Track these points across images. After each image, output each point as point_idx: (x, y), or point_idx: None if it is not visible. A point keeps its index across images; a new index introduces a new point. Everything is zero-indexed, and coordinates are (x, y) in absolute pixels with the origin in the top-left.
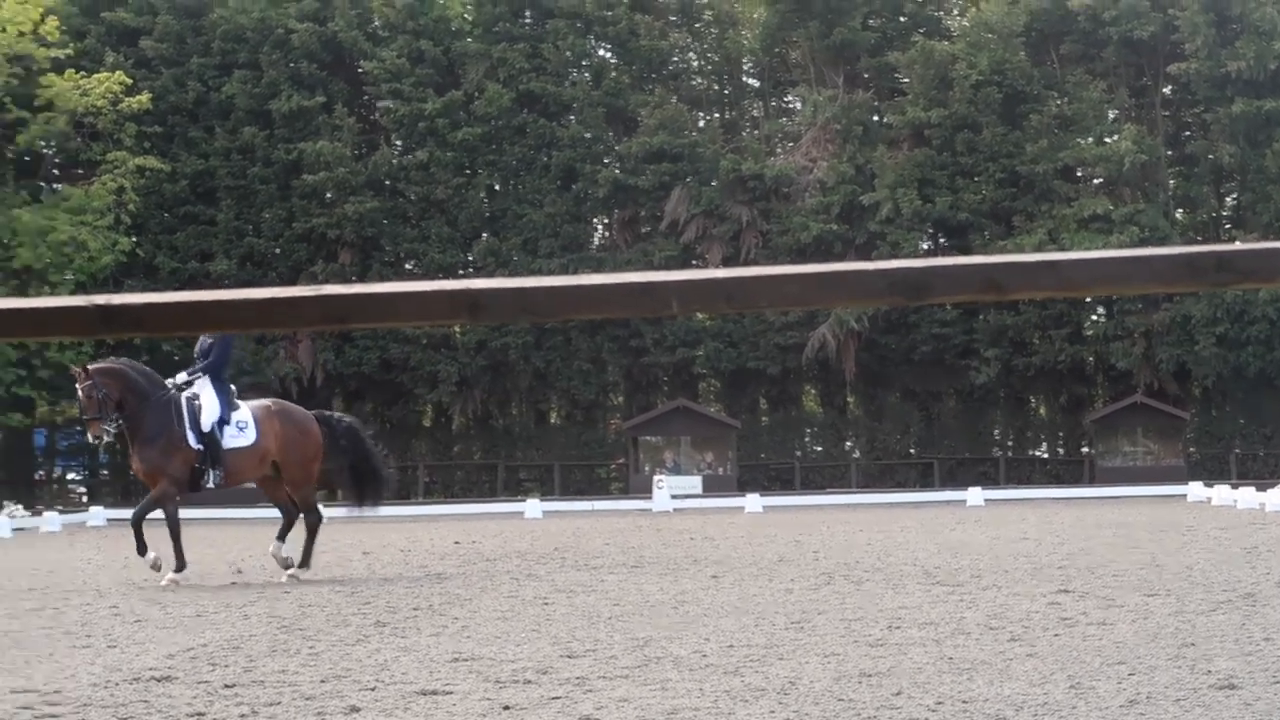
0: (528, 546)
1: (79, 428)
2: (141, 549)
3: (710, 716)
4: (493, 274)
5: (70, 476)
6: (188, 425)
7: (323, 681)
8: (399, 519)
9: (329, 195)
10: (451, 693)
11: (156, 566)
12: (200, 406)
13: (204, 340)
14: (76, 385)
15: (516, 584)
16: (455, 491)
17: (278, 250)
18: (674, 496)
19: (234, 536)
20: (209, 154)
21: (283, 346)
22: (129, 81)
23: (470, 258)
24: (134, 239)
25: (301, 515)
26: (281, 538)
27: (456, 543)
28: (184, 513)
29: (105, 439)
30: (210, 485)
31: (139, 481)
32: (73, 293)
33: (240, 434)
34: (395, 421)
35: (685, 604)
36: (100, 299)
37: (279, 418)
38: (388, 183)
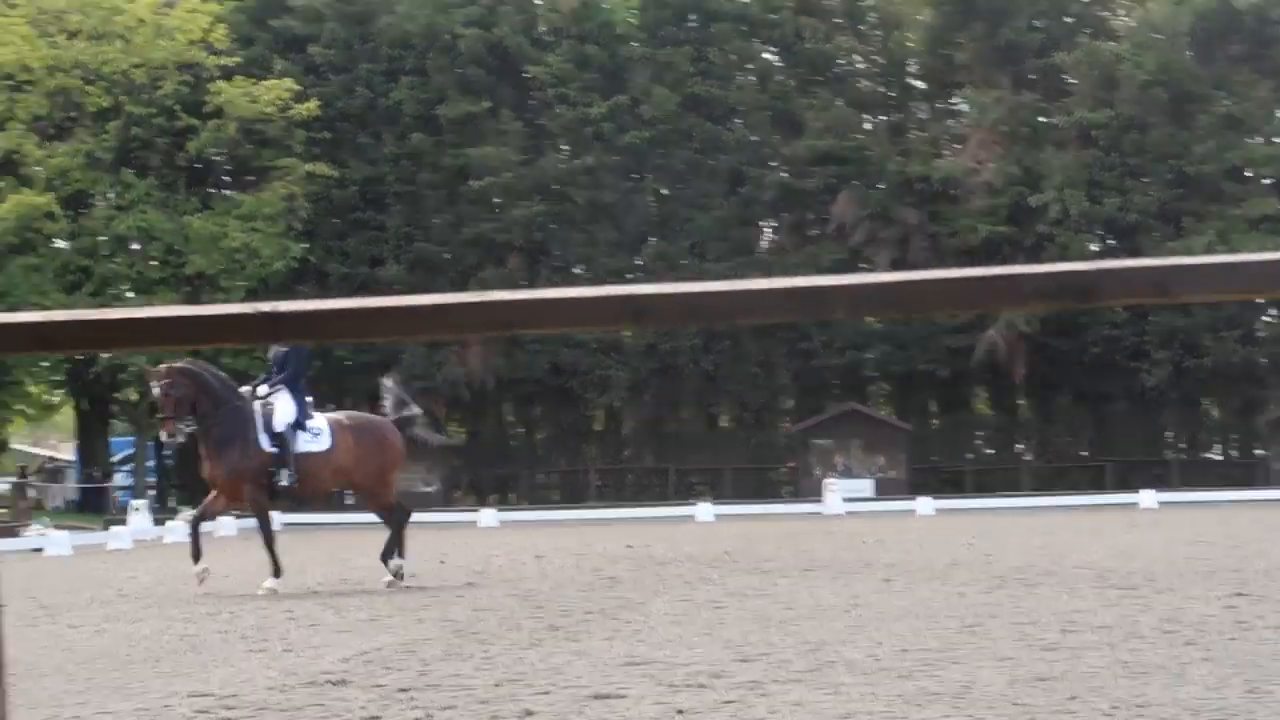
0: (699, 550)
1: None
2: (197, 554)
3: None
4: (661, 278)
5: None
6: (260, 429)
7: (496, 685)
8: (570, 523)
9: (497, 200)
10: (625, 696)
11: (202, 579)
12: (273, 411)
13: (277, 350)
14: (153, 383)
15: (689, 587)
16: (626, 495)
17: (447, 255)
18: (845, 499)
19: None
20: (378, 160)
21: (453, 351)
22: (298, 88)
23: (638, 262)
24: (305, 245)
25: (387, 520)
26: (392, 550)
27: (629, 546)
28: (355, 517)
29: (179, 439)
30: (284, 483)
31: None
32: (244, 300)
33: (315, 439)
34: (566, 426)
35: (858, 607)
36: (267, 306)
37: (353, 430)
38: (555, 187)
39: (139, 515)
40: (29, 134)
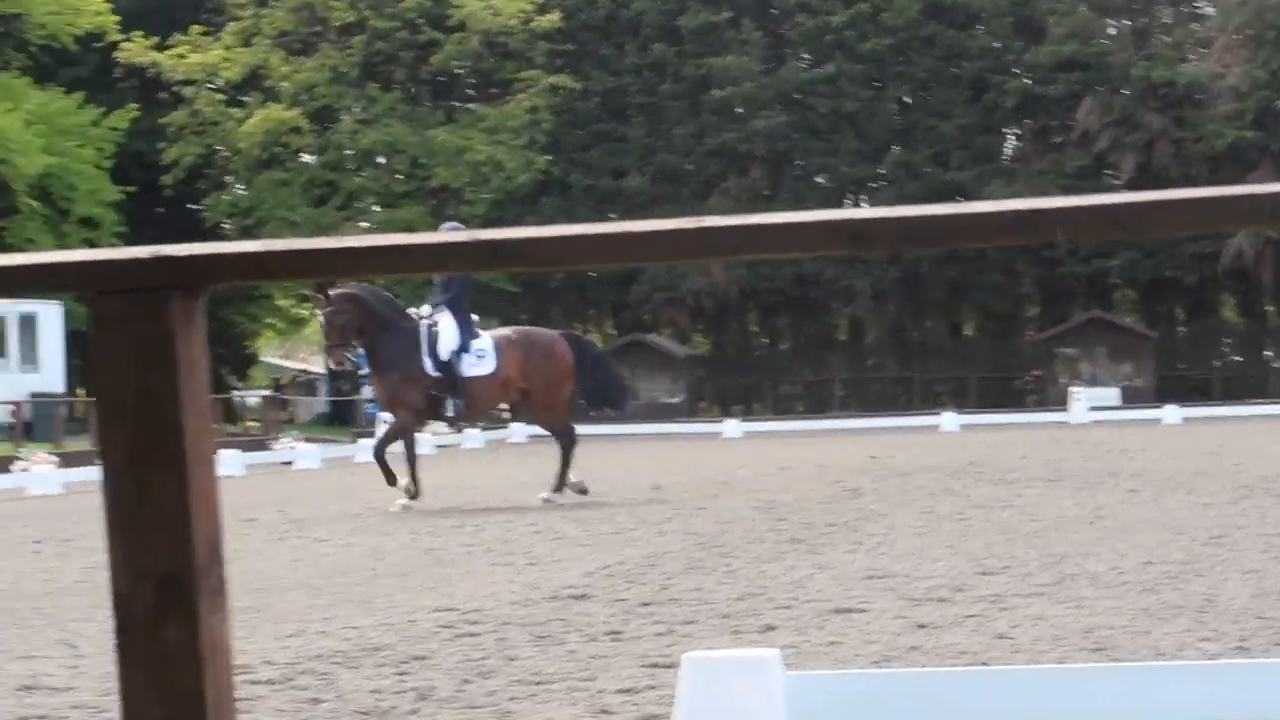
0: (943, 460)
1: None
2: (390, 479)
3: (1127, 635)
4: (903, 187)
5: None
6: (425, 353)
7: (738, 599)
8: (814, 434)
9: (739, 110)
10: (866, 610)
11: (410, 493)
12: (438, 334)
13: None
14: (318, 311)
15: (932, 499)
16: (870, 405)
17: (689, 166)
18: (1091, 408)
19: (648, 454)
20: (620, 71)
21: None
22: (539, 1)
23: (881, 170)
24: (548, 157)
25: (557, 438)
26: (564, 469)
27: (872, 457)
28: (599, 429)
29: (345, 365)
30: (450, 414)
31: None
32: (488, 211)
33: (479, 362)
34: (810, 336)
35: (1102, 519)
36: (487, 234)
37: (520, 346)
38: (797, 96)
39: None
40: (275, 49)
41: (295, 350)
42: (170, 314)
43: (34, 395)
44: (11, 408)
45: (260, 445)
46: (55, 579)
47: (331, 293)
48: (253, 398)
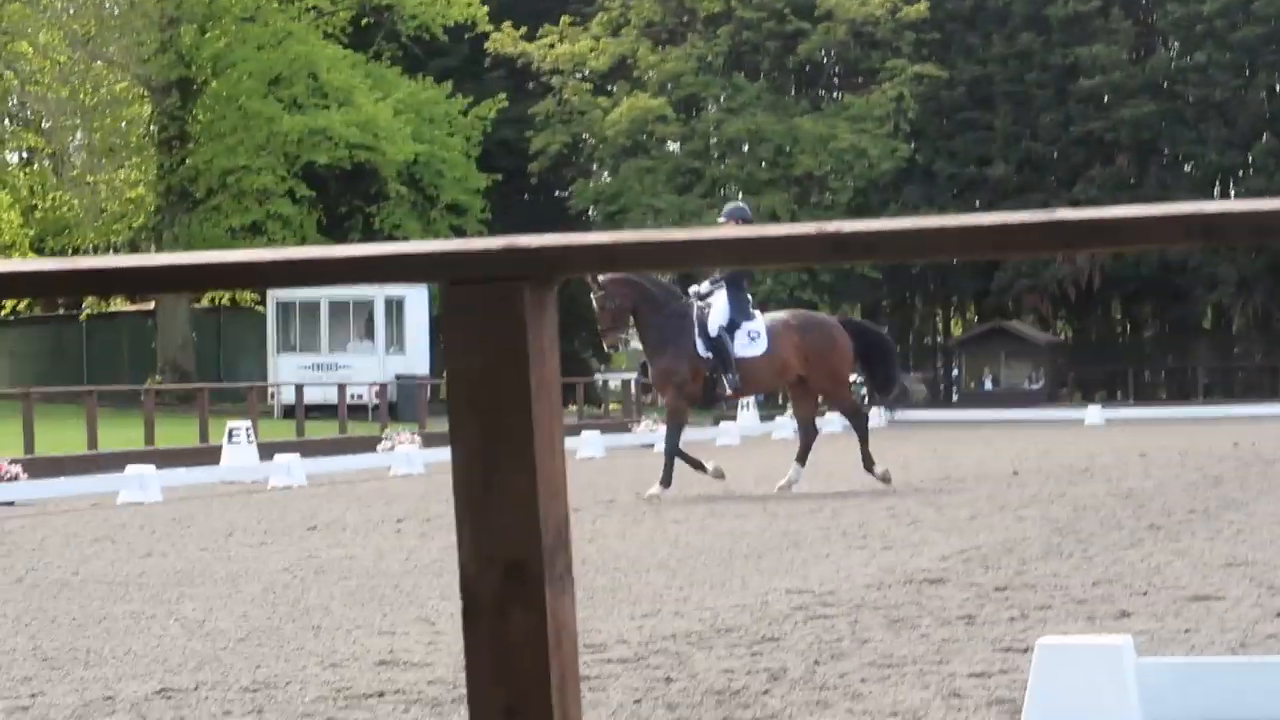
0: None
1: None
2: (697, 464)
3: None
4: (1273, 177)
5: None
6: (697, 333)
7: (1094, 585)
8: (1177, 421)
9: (1105, 99)
10: (1223, 598)
11: (720, 474)
12: (710, 314)
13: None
14: (591, 296)
15: None
16: (1235, 393)
17: (1054, 155)
18: None
19: (1007, 440)
20: (986, 60)
21: None
22: None
23: (1250, 159)
24: (912, 145)
25: (848, 421)
26: (801, 460)
27: (1235, 445)
28: (959, 415)
29: (620, 349)
30: (728, 392)
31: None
32: (851, 199)
33: (751, 343)
34: (1174, 323)
35: None
36: (831, 227)
37: (799, 330)
38: (1165, 85)
39: (748, 411)
40: (642, 39)
41: None
42: (521, 303)
43: (399, 377)
44: (377, 389)
45: (622, 428)
46: (415, 557)
47: (603, 278)
48: (615, 380)
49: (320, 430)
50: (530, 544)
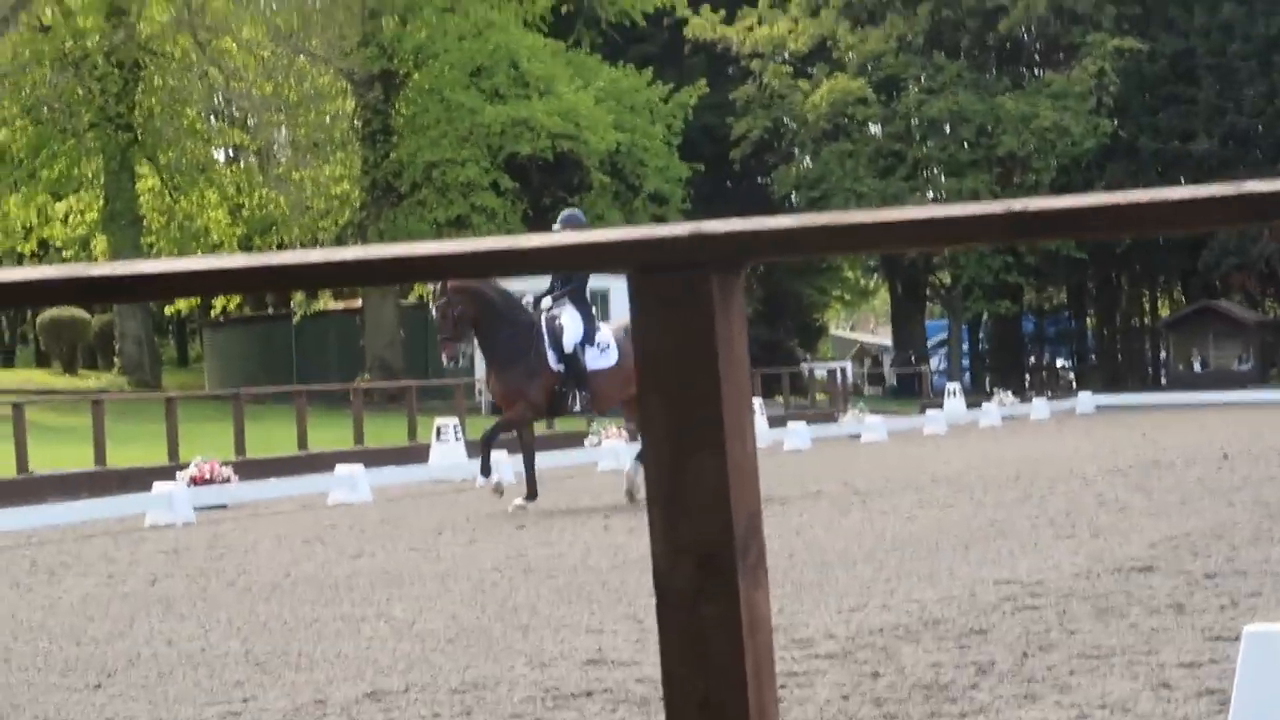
0: None
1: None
2: (485, 470)
3: None
4: None
5: (1060, 363)
6: (548, 346)
7: None
8: None
9: None
10: None
11: (499, 491)
12: (561, 327)
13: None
14: (431, 304)
15: None
16: None
17: (1259, 128)
18: None
19: (1218, 422)
20: (1188, 32)
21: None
22: None
23: None
24: (1114, 121)
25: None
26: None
27: None
28: (1167, 398)
29: (460, 361)
30: (576, 408)
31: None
32: (1055, 179)
33: (602, 355)
34: None
35: None
36: (1018, 204)
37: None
38: None
39: (954, 399)
40: (842, 20)
41: (863, 322)
42: (709, 291)
43: None
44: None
45: (828, 418)
46: (623, 553)
47: (442, 285)
48: (821, 370)
49: None
50: (722, 533)
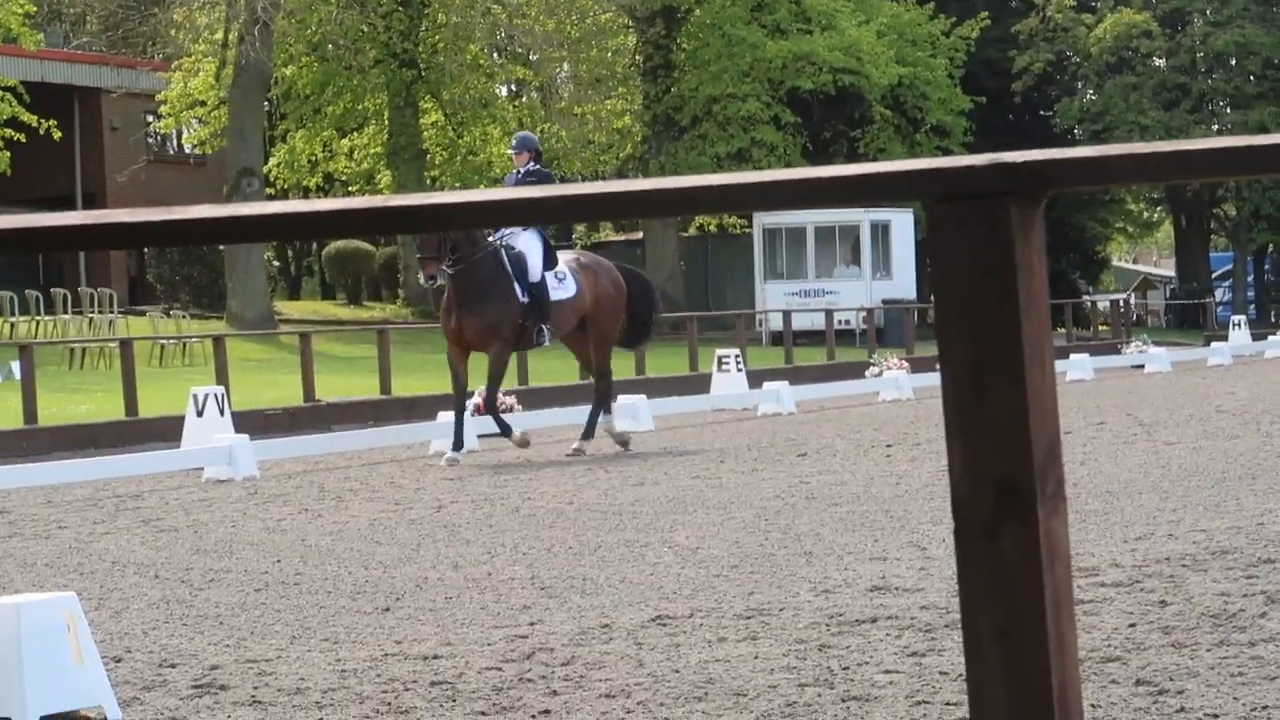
0: None
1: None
2: (506, 430)
3: None
4: None
5: None
6: (514, 277)
7: None
8: None
9: None
10: None
11: (526, 443)
12: (523, 255)
13: (513, 179)
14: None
15: None
16: None
17: None
18: None
19: None
20: None
21: None
22: None
23: None
24: None
25: (597, 378)
26: (607, 410)
27: None
28: None
29: (438, 282)
30: (545, 343)
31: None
32: None
33: (560, 285)
34: None
35: None
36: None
37: (592, 271)
38: None
39: (1239, 331)
40: None
41: (1145, 254)
42: (1008, 220)
43: (885, 302)
44: (864, 314)
45: (1110, 349)
46: (905, 482)
47: None
48: (1103, 301)
49: (808, 357)
50: (1021, 462)
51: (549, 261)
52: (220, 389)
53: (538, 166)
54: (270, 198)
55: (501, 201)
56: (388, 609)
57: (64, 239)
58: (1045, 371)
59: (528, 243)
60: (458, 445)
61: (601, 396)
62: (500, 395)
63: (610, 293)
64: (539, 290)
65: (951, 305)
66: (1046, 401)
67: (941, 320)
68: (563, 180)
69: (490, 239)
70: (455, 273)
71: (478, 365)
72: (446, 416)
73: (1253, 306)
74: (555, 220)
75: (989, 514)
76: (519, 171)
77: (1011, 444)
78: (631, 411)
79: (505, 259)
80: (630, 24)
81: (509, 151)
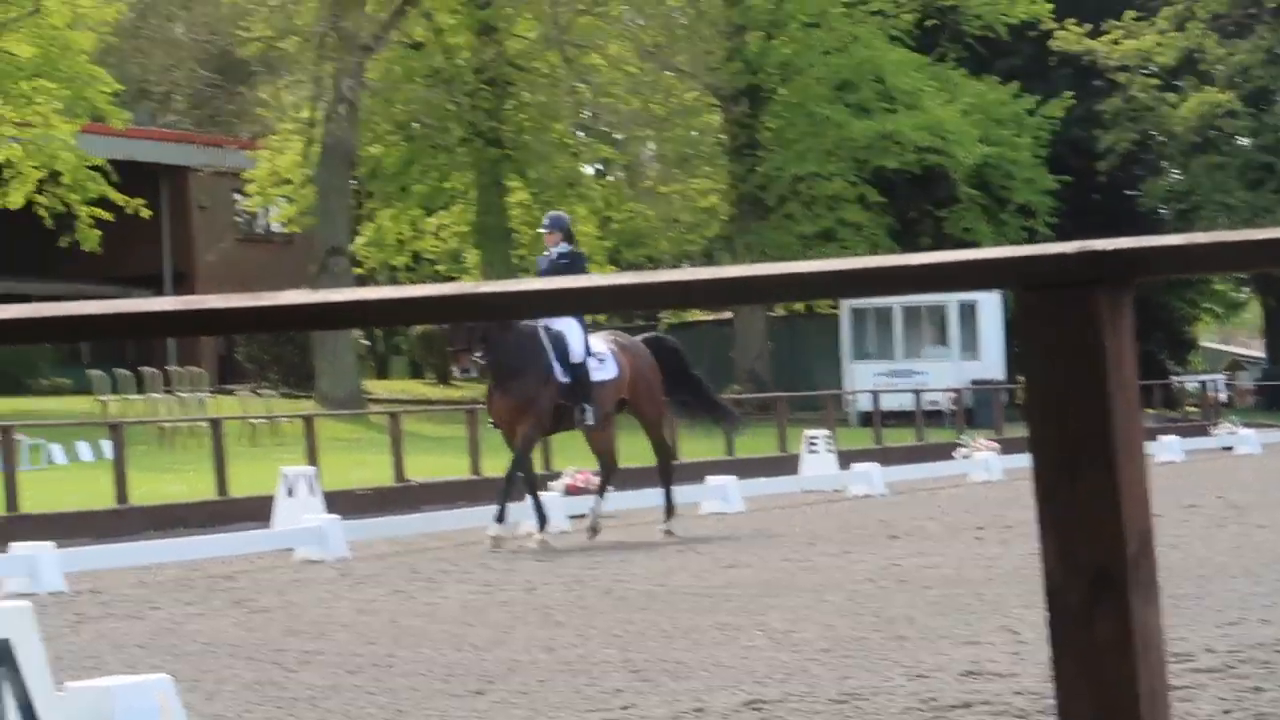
0: None
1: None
2: (502, 513)
3: None
4: None
5: None
6: (554, 358)
7: None
8: None
9: None
10: None
11: (501, 543)
12: (562, 335)
13: (547, 260)
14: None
15: None
16: None
17: None
18: None
19: None
20: None
21: None
22: None
23: None
24: None
25: (659, 455)
26: (600, 493)
27: None
28: None
29: (471, 372)
30: (590, 422)
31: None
32: None
33: (601, 367)
34: None
35: None
36: None
37: (630, 352)
38: None
39: None
40: (1209, 33)
41: (1233, 335)
42: (1098, 307)
43: (974, 382)
44: (953, 395)
45: (1200, 431)
46: (997, 565)
47: None
48: (1192, 383)
49: (896, 437)
50: (1114, 551)
51: (585, 343)
52: (311, 469)
53: (571, 248)
54: (358, 276)
55: (592, 289)
56: (480, 692)
57: (156, 324)
58: (1135, 461)
59: (566, 323)
60: (541, 522)
61: (668, 475)
62: (590, 475)
63: (647, 375)
64: (580, 370)
65: (1041, 393)
66: (1138, 489)
67: (1031, 408)
68: (650, 262)
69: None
70: (490, 357)
71: (564, 445)
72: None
73: None
74: (644, 307)
75: (1082, 603)
76: (550, 253)
77: (1104, 533)
78: (721, 493)
79: (544, 339)
80: (715, 103)
81: (540, 230)
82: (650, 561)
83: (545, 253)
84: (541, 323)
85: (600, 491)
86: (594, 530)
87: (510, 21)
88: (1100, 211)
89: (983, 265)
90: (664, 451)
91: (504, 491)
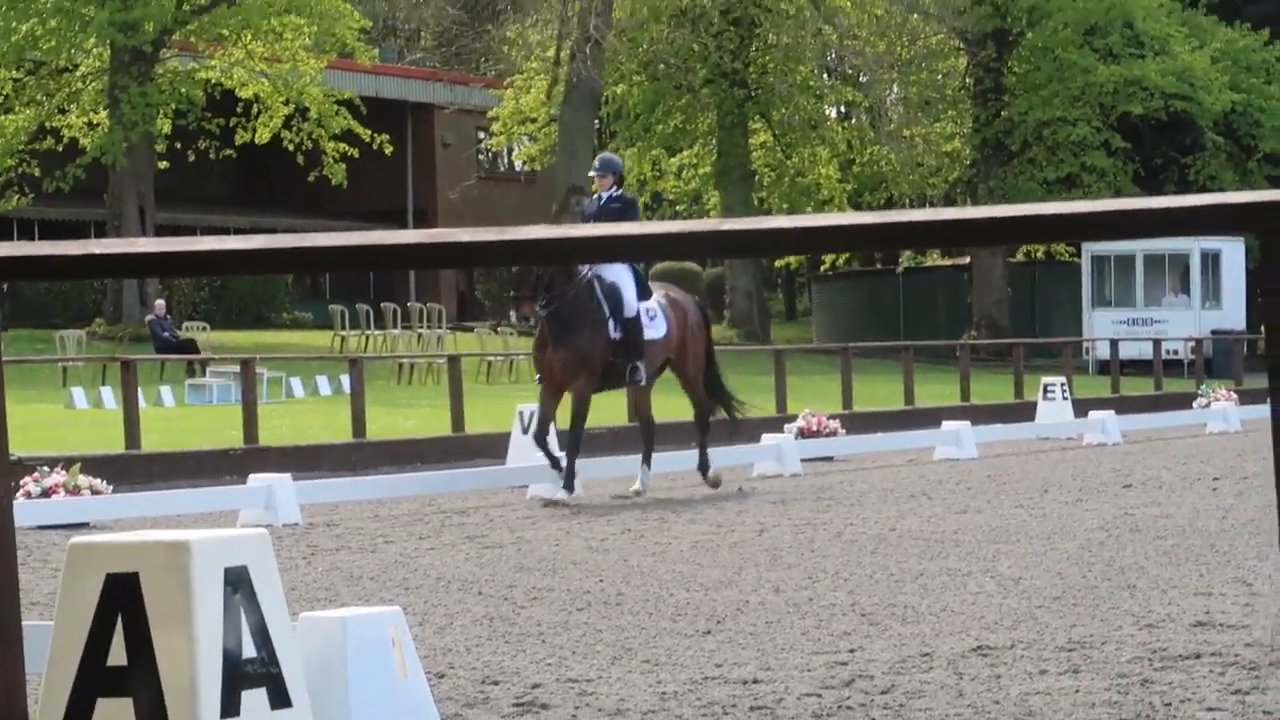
0: None
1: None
2: (556, 464)
3: None
4: None
5: None
6: (608, 312)
7: None
8: None
9: None
10: None
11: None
12: (617, 289)
13: (593, 205)
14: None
15: None
16: None
17: None
18: None
19: None
20: None
21: None
22: None
23: None
24: None
25: (700, 412)
26: (646, 462)
27: None
28: None
29: (531, 321)
30: (641, 381)
31: None
32: None
33: (652, 323)
34: None
35: None
36: None
37: (681, 308)
38: None
39: None
40: None
41: None
42: None
43: (1214, 332)
44: (1193, 344)
45: None
46: (1232, 516)
47: None
48: None
49: (1134, 386)
50: None
51: (641, 294)
52: None
53: (620, 191)
54: None
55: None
56: (708, 632)
57: (404, 257)
58: None
59: (619, 274)
60: (569, 486)
61: (705, 427)
62: (824, 419)
63: (696, 332)
64: (633, 326)
65: None
66: None
67: (1273, 354)
68: (890, 203)
69: (583, 271)
70: (551, 306)
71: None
72: (771, 439)
73: None
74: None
75: None
76: (600, 197)
77: None
78: (955, 438)
79: (599, 291)
80: (961, 46)
81: (591, 174)
82: (881, 506)
83: (595, 195)
84: (594, 271)
85: (645, 459)
86: (710, 482)
87: None
88: None
89: (1223, 210)
90: (704, 409)
91: (568, 454)
